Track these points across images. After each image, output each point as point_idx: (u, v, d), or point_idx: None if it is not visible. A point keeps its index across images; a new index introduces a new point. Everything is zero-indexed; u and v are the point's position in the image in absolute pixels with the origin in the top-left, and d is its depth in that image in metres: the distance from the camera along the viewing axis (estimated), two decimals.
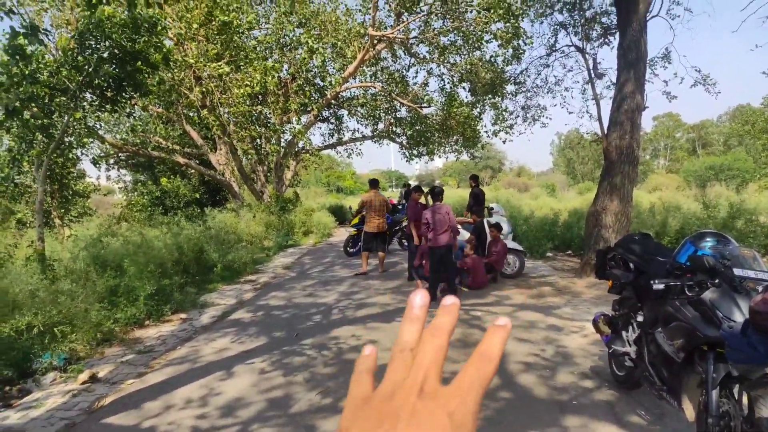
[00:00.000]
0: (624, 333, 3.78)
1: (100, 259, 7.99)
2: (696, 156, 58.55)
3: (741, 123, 36.93)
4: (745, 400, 2.64)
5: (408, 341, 0.40)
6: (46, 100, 7.77)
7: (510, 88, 14.85)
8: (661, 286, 2.92)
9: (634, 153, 7.92)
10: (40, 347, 5.19)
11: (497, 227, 8.37)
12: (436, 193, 7.48)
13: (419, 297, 0.42)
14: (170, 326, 6.51)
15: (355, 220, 12.15)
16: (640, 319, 3.57)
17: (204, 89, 13.83)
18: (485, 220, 8.72)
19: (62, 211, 14.20)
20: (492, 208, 9.38)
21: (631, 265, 3.78)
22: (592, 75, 9.12)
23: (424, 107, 18.15)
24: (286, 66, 16.80)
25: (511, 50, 13.26)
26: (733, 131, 46.47)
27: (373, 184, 10.13)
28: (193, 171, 19.28)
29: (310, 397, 4.06)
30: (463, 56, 16.12)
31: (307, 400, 3.98)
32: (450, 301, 0.41)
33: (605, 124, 8.35)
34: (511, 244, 8.71)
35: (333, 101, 18.30)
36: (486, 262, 8.13)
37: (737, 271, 2.73)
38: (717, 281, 2.80)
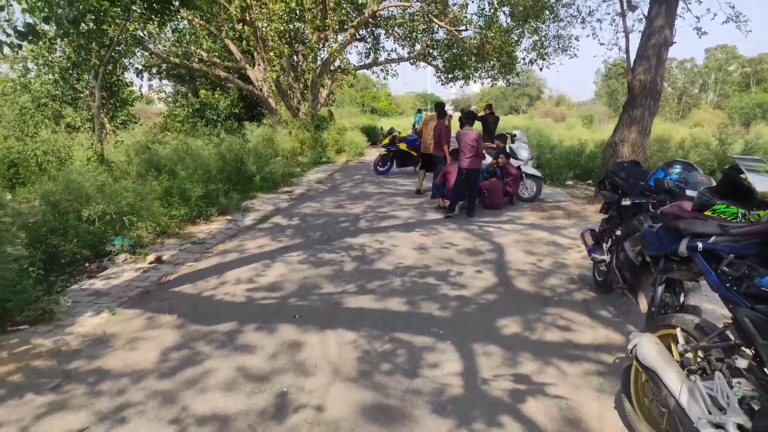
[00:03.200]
0: (604, 244, 4.43)
1: (153, 164, 8.84)
2: (749, 92, 55.61)
3: None
4: (683, 297, 3.32)
5: None
6: (101, 12, 8.37)
7: (548, 13, 14.61)
8: (629, 203, 3.53)
9: (657, 87, 8.14)
10: (112, 233, 6.15)
11: (506, 154, 8.89)
12: (468, 118, 7.95)
13: None
14: (218, 225, 7.42)
15: (385, 141, 12.72)
16: (618, 233, 4.19)
17: (243, 3, 14.08)
18: (507, 146, 9.20)
19: (110, 116, 15.09)
20: (515, 135, 9.80)
21: (619, 188, 4.36)
22: (624, 7, 9.12)
23: (462, 30, 17.98)
24: None
25: None
26: None
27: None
28: (231, 85, 19.82)
29: (337, 283, 4.90)
30: None
31: (333, 285, 4.82)
32: None
33: (632, 57, 8.52)
34: (530, 170, 9.21)
35: (370, 20, 18.24)
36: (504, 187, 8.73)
37: (689, 192, 3.31)
38: (674, 200, 3.38)
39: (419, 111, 26.00)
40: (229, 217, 7.88)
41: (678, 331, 2.34)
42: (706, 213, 2.41)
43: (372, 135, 23.56)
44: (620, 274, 3.87)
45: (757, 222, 2.19)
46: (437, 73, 20.93)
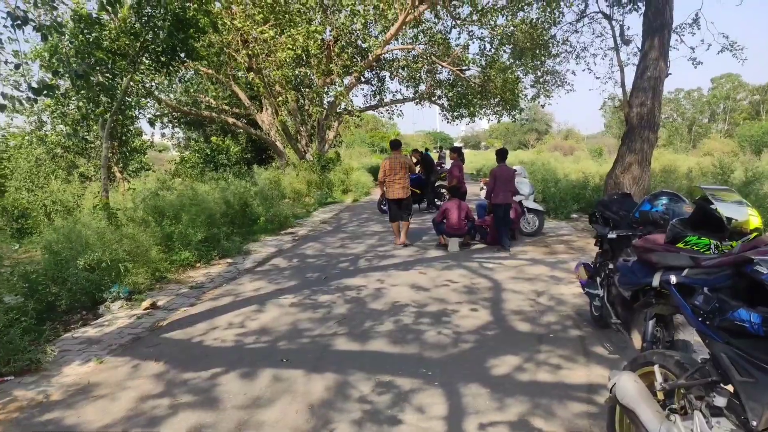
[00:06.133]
0: (598, 278, 4.32)
1: (158, 210, 8.94)
2: (759, 120, 55.37)
3: None
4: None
5: None
6: (109, 65, 8.66)
7: (552, 51, 14.90)
8: (614, 236, 3.46)
9: (655, 119, 8.14)
10: (109, 280, 6.16)
11: None
12: (502, 156, 8.32)
13: None
14: (218, 268, 7.42)
15: None
16: (611, 267, 4.09)
17: (250, 52, 14.51)
18: None
19: (121, 165, 15.42)
20: (516, 170, 9.78)
21: (610, 221, 4.29)
22: (618, 42, 9.24)
23: (465, 70, 18.30)
24: (329, 29, 17.22)
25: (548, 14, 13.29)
26: None
27: (394, 145, 9.24)
28: (241, 130, 20.25)
29: (329, 324, 4.83)
30: (505, 16, 16.13)
31: (326, 327, 4.75)
32: None
33: (628, 90, 8.55)
34: (531, 204, 9.16)
35: (374, 63, 18.64)
36: None
37: None
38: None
39: (426, 150, 26.21)
40: (230, 260, 7.89)
41: (656, 368, 2.24)
42: (678, 245, 2.34)
43: (378, 174, 23.71)
44: (613, 309, 3.77)
45: (729, 253, 2.12)
46: (442, 111, 21.22)
